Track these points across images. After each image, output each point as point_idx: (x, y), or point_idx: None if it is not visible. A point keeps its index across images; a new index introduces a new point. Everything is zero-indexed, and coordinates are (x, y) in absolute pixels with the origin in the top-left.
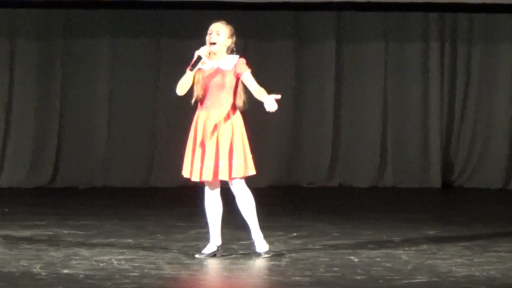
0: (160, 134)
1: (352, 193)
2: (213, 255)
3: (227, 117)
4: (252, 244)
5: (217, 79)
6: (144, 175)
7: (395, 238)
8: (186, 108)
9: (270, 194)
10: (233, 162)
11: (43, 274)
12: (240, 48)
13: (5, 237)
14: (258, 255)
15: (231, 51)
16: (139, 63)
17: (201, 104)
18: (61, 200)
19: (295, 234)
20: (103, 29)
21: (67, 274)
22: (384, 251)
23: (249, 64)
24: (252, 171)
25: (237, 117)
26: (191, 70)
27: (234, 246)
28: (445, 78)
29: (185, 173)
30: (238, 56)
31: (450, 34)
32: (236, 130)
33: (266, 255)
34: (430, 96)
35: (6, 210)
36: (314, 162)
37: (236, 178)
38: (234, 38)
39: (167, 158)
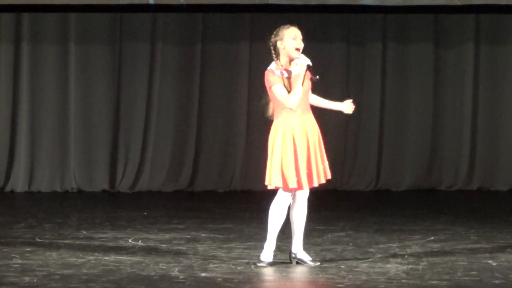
0: None
1: (490, 196)
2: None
3: (315, 120)
4: (293, 254)
5: (304, 84)
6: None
7: None
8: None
9: (408, 198)
10: (326, 164)
11: (181, 277)
12: (379, 51)
13: (144, 240)
14: (304, 262)
15: None
16: None
17: (287, 112)
18: (200, 204)
19: (433, 237)
20: (241, 33)
21: (205, 277)
22: None
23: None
24: None
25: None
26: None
27: (372, 250)
28: None
29: (292, 183)
30: None
31: None
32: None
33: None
34: None
35: (145, 213)
36: (452, 165)
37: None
38: None
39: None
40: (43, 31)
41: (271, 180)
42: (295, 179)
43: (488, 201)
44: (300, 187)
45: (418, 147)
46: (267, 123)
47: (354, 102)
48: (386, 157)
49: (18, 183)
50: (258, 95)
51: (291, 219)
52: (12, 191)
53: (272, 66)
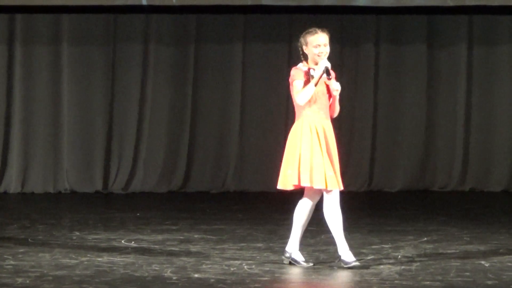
0: None
1: (484, 197)
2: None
3: (333, 125)
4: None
5: (325, 87)
6: (276, 179)
7: None
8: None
9: (402, 198)
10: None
11: (174, 278)
12: (372, 52)
13: (137, 241)
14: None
15: None
16: (271, 68)
17: (311, 112)
18: (193, 205)
19: (426, 238)
20: (235, 34)
21: (198, 278)
22: None
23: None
24: None
25: None
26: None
27: (365, 251)
28: None
29: (318, 183)
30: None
31: None
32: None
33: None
34: None
35: (138, 214)
36: (446, 166)
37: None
38: None
39: None
40: (36, 32)
41: (313, 181)
42: (323, 177)
43: (481, 202)
44: (327, 186)
45: (411, 147)
46: (261, 124)
47: (348, 102)
48: (380, 158)
49: (11, 184)
50: (252, 95)
51: (293, 218)
52: (5, 192)
53: (300, 64)
